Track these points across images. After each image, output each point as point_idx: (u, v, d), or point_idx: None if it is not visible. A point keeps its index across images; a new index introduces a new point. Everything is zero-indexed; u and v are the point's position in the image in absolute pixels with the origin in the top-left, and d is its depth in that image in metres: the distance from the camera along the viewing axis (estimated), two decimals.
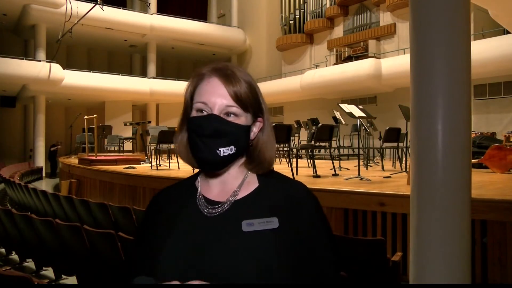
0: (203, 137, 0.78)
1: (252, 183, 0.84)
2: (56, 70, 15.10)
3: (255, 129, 0.84)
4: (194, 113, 0.81)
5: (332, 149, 7.11)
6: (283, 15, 18.12)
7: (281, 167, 7.85)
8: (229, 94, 0.79)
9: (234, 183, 0.83)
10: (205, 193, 0.84)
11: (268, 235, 0.75)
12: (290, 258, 0.74)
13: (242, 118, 0.80)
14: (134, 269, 0.81)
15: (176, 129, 0.88)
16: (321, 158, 11.16)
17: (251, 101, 0.81)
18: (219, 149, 0.78)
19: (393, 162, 7.95)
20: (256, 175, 0.85)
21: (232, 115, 0.79)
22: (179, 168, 7.71)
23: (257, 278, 0.71)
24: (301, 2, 17.49)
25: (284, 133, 5.34)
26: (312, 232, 0.79)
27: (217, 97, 0.79)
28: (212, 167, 0.81)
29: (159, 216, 0.85)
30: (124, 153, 11.69)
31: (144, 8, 18.21)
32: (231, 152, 0.79)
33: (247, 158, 0.84)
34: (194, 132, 0.79)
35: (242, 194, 0.82)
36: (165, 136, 7.37)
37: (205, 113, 0.79)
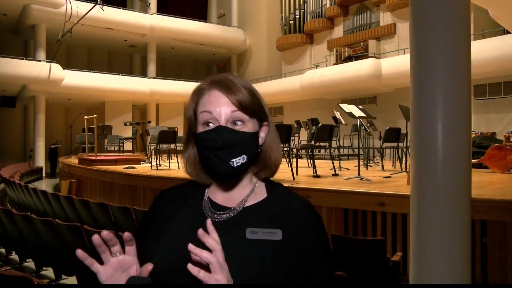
0: (215, 151, 0.78)
1: (260, 194, 0.84)
2: (56, 70, 15.09)
3: (262, 134, 0.85)
4: (200, 128, 0.80)
5: (332, 149, 7.11)
6: (283, 15, 18.12)
7: (281, 167, 7.81)
8: (233, 103, 0.79)
9: (242, 192, 0.84)
10: (213, 197, 0.85)
11: (269, 246, 0.75)
12: (287, 271, 0.75)
13: (249, 125, 0.81)
14: None
15: (182, 147, 0.88)
16: (321, 158, 11.16)
17: (255, 107, 0.81)
18: (232, 160, 0.78)
19: (393, 162, 7.95)
20: (264, 185, 0.86)
21: (239, 123, 0.79)
22: (179, 168, 7.71)
23: (249, 283, 0.72)
24: (301, 2, 17.50)
25: (284, 133, 5.34)
26: (313, 249, 0.78)
27: (221, 107, 0.79)
28: (227, 178, 0.82)
29: (162, 212, 0.86)
30: (124, 153, 11.68)
31: (144, 8, 18.19)
32: (243, 161, 0.79)
33: (256, 163, 0.85)
34: (204, 147, 0.79)
35: (249, 202, 0.83)
36: (165, 136, 7.37)
37: (211, 125, 0.79)
